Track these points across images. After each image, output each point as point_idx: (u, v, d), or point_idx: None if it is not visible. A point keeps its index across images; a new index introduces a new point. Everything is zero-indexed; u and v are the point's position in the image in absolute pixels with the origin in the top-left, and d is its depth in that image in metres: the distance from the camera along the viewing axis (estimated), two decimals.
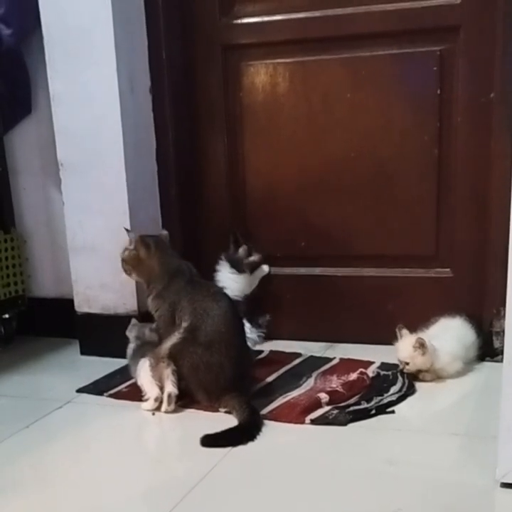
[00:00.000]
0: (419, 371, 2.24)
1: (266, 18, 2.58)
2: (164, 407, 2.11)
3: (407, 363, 2.23)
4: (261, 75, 2.63)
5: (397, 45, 2.45)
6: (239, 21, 2.61)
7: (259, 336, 2.65)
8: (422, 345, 2.20)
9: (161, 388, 2.13)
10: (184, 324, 2.13)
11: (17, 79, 2.74)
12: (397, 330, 2.29)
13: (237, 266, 2.65)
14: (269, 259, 2.73)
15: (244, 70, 2.65)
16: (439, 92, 2.44)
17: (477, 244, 2.46)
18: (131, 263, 2.30)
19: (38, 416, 2.15)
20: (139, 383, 2.20)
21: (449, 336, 2.30)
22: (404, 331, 2.28)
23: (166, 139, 2.70)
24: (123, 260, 2.30)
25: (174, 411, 2.11)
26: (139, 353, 2.27)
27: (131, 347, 2.34)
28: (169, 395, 2.11)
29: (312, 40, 2.55)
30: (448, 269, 2.54)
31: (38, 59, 2.62)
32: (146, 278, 2.30)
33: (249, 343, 2.39)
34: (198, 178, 2.77)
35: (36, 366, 2.63)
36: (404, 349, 2.25)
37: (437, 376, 2.25)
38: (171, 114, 2.69)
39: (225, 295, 2.25)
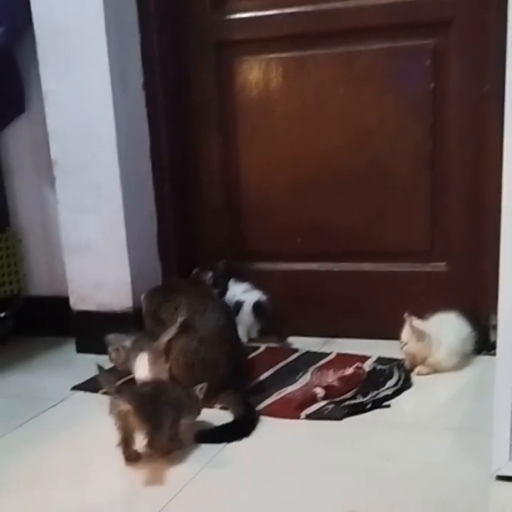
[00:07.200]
0: (415, 359, 2.25)
1: (259, 14, 2.57)
2: None
3: (405, 344, 2.26)
4: (254, 71, 2.63)
5: (390, 39, 2.45)
6: (232, 17, 2.61)
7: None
8: (418, 331, 2.22)
9: None
10: (179, 319, 2.12)
11: (9, 78, 2.73)
12: (404, 317, 2.28)
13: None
14: (265, 255, 2.73)
15: (238, 66, 2.64)
16: (432, 86, 2.43)
17: (473, 238, 2.45)
18: None
19: (31, 415, 2.14)
20: (136, 378, 2.17)
21: (446, 330, 2.29)
22: (412, 318, 2.28)
23: (160, 137, 2.69)
24: None
25: None
26: (137, 346, 2.25)
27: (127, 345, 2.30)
28: None
29: (306, 35, 2.54)
30: (444, 264, 2.54)
31: (30, 58, 2.61)
32: None
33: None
34: (192, 175, 2.76)
35: (32, 365, 2.62)
36: (405, 330, 2.26)
37: (434, 370, 2.24)
38: (164, 112, 2.69)
39: (214, 294, 2.26)
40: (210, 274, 2.62)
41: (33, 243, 2.93)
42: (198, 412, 1.91)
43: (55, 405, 2.22)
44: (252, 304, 2.60)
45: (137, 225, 2.63)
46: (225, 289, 2.63)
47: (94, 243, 2.61)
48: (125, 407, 1.73)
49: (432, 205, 2.52)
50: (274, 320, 2.62)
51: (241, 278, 2.69)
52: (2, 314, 2.86)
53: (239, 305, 2.60)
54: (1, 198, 2.88)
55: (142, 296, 2.43)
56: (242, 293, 2.64)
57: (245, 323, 2.59)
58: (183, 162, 2.75)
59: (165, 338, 2.14)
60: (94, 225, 2.61)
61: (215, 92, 2.68)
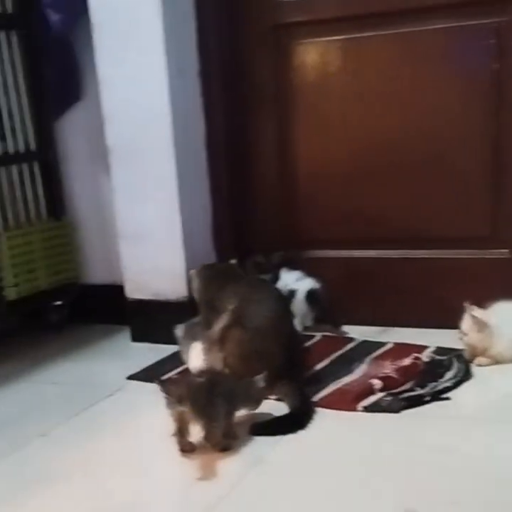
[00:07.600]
0: (475, 349, 2.18)
1: None
2: None
3: (465, 335, 2.19)
4: (311, 54, 2.59)
5: (452, 19, 2.37)
6: None
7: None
8: (479, 321, 2.15)
9: None
10: (230, 306, 2.10)
11: (66, 65, 2.74)
12: (465, 306, 2.20)
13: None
14: (320, 242, 2.69)
15: (295, 49, 2.59)
16: (496, 66, 2.35)
17: None
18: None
19: (88, 404, 2.15)
20: (191, 367, 2.16)
21: (507, 319, 2.22)
22: (472, 307, 2.20)
23: (216, 123, 2.66)
24: None
25: None
26: (189, 335, 2.23)
27: (179, 332, 2.29)
28: None
29: (363, 16, 2.48)
30: (506, 250, 2.46)
31: (86, 44, 2.59)
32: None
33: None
34: (247, 162, 2.73)
35: (87, 353, 2.63)
36: (465, 321, 2.19)
37: (495, 361, 2.17)
38: (220, 98, 2.66)
39: (269, 282, 2.22)
40: (262, 262, 2.60)
41: (88, 231, 2.93)
42: (258, 403, 1.88)
43: (111, 395, 2.22)
44: (305, 292, 2.56)
45: (192, 212, 2.61)
46: (276, 278, 2.59)
47: (149, 231, 2.60)
48: (182, 407, 1.74)
49: (494, 190, 2.45)
50: (328, 308, 2.58)
51: (293, 266, 2.64)
52: (58, 302, 2.87)
53: (292, 293, 2.56)
54: (57, 186, 2.89)
55: (192, 272, 2.38)
56: (295, 281, 2.60)
57: (299, 311, 2.55)
58: (239, 148, 2.72)
59: (218, 326, 2.11)
60: (150, 213, 2.59)
61: (271, 76, 2.63)
